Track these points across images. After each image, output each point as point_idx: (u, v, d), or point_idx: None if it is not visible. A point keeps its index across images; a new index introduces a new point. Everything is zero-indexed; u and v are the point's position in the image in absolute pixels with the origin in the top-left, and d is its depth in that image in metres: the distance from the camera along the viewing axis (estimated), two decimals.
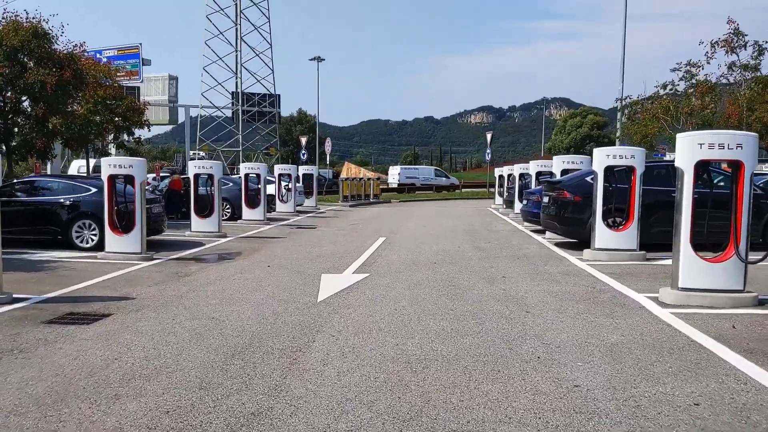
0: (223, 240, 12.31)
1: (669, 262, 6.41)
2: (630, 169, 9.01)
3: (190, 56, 40.01)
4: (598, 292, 6.71)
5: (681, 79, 19.35)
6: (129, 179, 9.49)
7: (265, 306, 6.12)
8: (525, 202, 13.72)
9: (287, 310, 5.94)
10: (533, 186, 15.33)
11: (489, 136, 34.82)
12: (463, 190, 36.93)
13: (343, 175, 42.30)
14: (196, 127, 46.18)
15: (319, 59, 53.68)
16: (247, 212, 16.09)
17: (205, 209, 13.12)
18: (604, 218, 8.98)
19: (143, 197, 9.36)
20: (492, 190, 36.22)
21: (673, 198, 6.06)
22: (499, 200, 24.10)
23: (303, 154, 42.24)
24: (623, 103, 22.56)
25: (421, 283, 7.40)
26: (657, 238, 8.95)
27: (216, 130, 46.90)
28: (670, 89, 19.72)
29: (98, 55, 30.61)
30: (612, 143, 63.73)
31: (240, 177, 17.21)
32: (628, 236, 8.84)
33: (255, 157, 44.29)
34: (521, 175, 18.40)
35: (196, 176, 13.49)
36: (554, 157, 15.30)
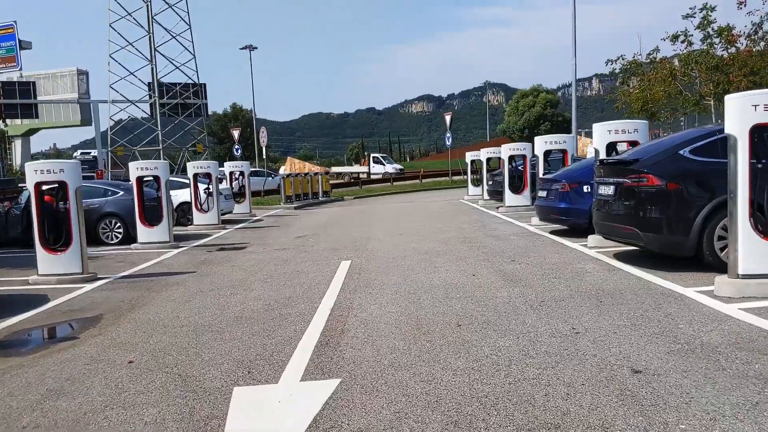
0: (82, 290, 7.54)
1: None
2: None
3: (103, 49, 33.70)
4: None
5: (698, 27, 15.87)
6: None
7: None
8: (544, 193, 9.70)
9: None
10: (540, 171, 11.36)
11: (448, 119, 30.91)
12: (423, 180, 33.03)
13: (285, 171, 37.34)
14: (112, 126, 39.84)
15: (251, 48, 48.47)
16: (143, 232, 11.23)
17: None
18: (756, 220, 4.97)
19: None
20: (456, 178, 32.53)
21: None
22: (474, 190, 20.18)
23: (237, 150, 36.99)
24: (615, 64, 18.95)
25: (470, 419, 3.11)
26: None
27: (134, 128, 40.58)
28: (683, 41, 16.31)
29: None
30: (567, 122, 61.75)
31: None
32: None
33: (180, 157, 38.51)
34: (511, 158, 14.46)
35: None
36: (537, 139, 11.49)
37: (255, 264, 8.81)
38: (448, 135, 30.58)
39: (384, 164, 45.55)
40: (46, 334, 5.68)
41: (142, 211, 11.29)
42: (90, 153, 35.78)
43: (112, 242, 12.08)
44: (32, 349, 5.13)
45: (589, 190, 8.83)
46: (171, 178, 16.99)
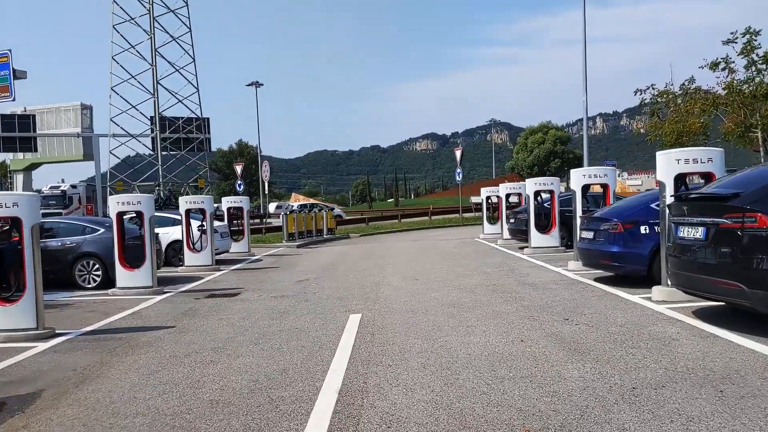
0: (31, 351, 6.07)
1: None
2: None
3: (105, 84, 32.98)
4: None
5: (741, 54, 14.70)
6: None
7: None
8: (589, 234, 8.23)
9: None
10: (578, 208, 9.89)
11: (458, 154, 29.75)
12: (433, 217, 31.65)
13: (291, 203, 36.16)
14: (117, 162, 39.07)
15: (257, 84, 48.40)
16: (123, 276, 9.79)
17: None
18: None
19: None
20: (467, 215, 31.19)
21: None
22: (491, 228, 18.73)
23: (239, 185, 35.93)
24: (645, 94, 17.68)
25: None
26: None
27: (134, 162, 39.69)
28: (723, 68, 15.12)
29: None
30: (578, 158, 60.60)
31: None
32: None
33: (182, 191, 37.40)
34: (537, 194, 13.09)
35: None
36: (573, 172, 10.15)
37: (246, 317, 7.33)
38: (459, 170, 29.35)
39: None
40: None
41: (122, 250, 9.87)
42: (59, 187, 32.06)
43: (90, 286, 10.65)
44: None
45: (648, 231, 7.42)
46: (162, 214, 15.75)
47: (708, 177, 6.48)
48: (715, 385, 3.78)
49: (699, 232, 5.14)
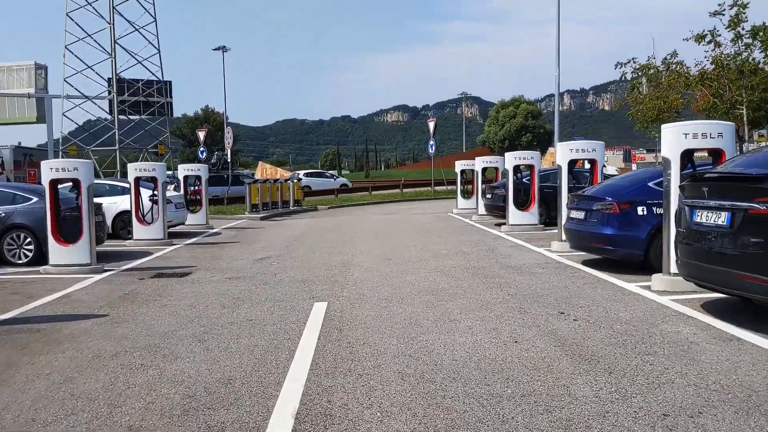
0: None
1: None
2: None
3: (59, 43, 30.30)
4: None
5: (728, 27, 14.02)
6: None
7: None
8: (579, 214, 7.48)
9: None
10: (564, 185, 9.14)
11: (432, 125, 28.76)
12: (405, 190, 30.79)
13: (258, 176, 34.65)
14: (74, 126, 36.48)
15: (224, 49, 46.08)
16: (57, 251, 8.60)
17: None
18: None
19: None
20: (439, 189, 30.45)
21: None
22: (465, 203, 18.01)
23: (201, 152, 34.17)
24: (625, 67, 16.90)
25: None
26: None
27: (90, 126, 37.27)
28: (709, 40, 14.45)
29: None
30: (548, 133, 60.32)
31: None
32: None
33: (141, 158, 35.37)
34: (516, 168, 12.32)
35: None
36: (559, 145, 9.40)
37: (194, 303, 6.35)
38: (432, 142, 28.39)
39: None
40: None
41: (55, 223, 8.67)
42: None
43: (20, 262, 9.42)
44: None
45: (645, 212, 6.73)
46: (110, 182, 14.39)
47: (718, 154, 5.78)
48: (764, 411, 3.07)
49: (722, 218, 4.41)
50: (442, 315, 5.35)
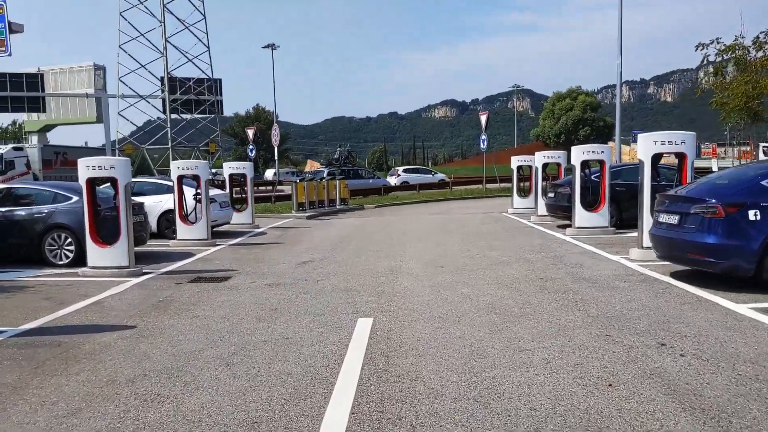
0: None
1: None
2: None
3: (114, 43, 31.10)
4: None
5: None
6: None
7: None
8: (672, 219, 6.33)
9: None
10: (646, 184, 7.96)
11: (484, 119, 27.52)
12: (454, 188, 29.71)
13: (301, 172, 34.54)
14: (131, 125, 37.58)
15: (273, 47, 46.58)
16: (95, 253, 8.26)
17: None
18: None
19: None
20: (491, 186, 29.20)
21: None
22: (521, 202, 16.85)
23: (251, 150, 34.47)
24: (708, 49, 15.08)
25: None
26: None
27: (144, 126, 38.22)
28: None
29: None
30: (608, 126, 57.17)
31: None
32: None
33: (192, 156, 35.93)
34: (584, 164, 11.15)
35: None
36: (641, 137, 8.17)
37: (228, 315, 5.75)
38: (484, 137, 27.12)
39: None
40: None
41: (93, 223, 8.34)
42: (23, 147, 27.35)
43: (61, 263, 9.19)
44: None
45: (759, 217, 5.57)
46: (155, 181, 14.20)
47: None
48: None
49: None
50: (509, 342, 4.47)
